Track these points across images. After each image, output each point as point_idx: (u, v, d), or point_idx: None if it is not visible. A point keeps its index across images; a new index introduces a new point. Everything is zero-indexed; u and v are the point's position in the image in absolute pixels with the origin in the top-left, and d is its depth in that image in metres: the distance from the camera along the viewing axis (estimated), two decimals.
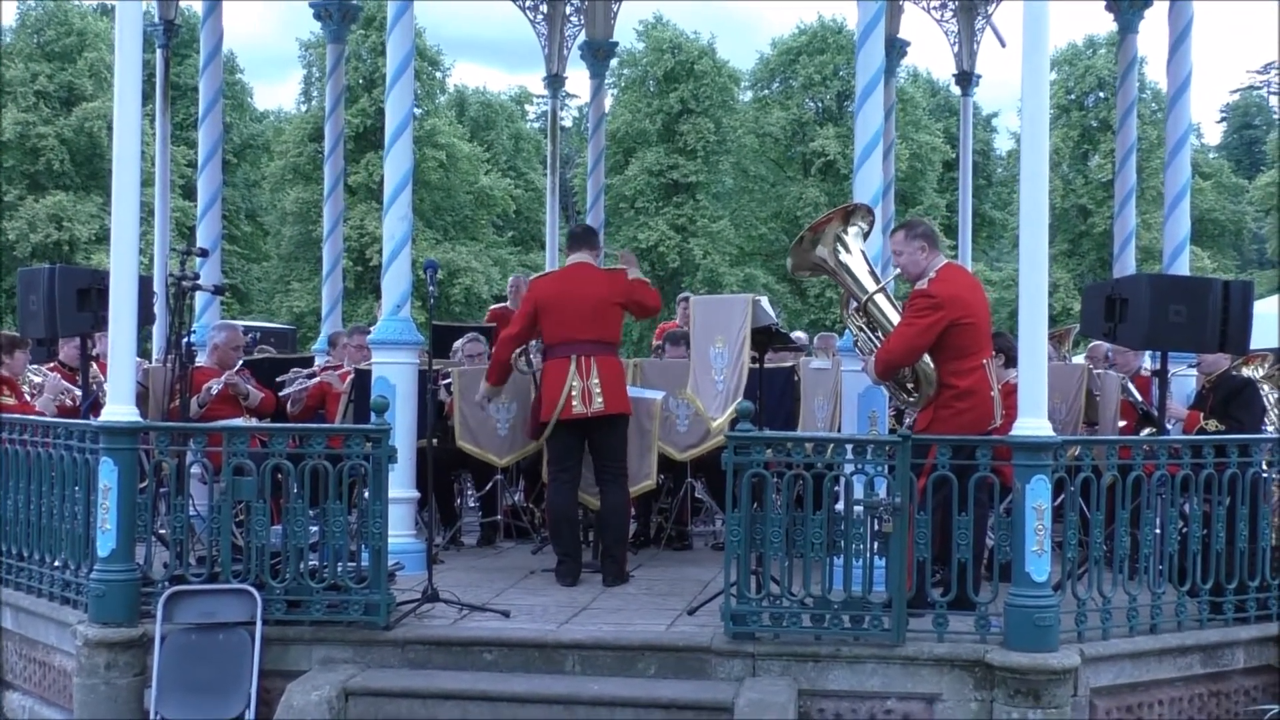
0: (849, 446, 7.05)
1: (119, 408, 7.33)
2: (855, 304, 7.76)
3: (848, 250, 7.69)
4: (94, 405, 8.72)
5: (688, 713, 6.60)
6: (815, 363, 9.95)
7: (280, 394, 10.14)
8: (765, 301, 8.23)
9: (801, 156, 49.29)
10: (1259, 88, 75.06)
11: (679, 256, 46.10)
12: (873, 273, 7.75)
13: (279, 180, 46.73)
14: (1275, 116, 72.02)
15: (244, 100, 50.04)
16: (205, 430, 7.79)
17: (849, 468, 6.95)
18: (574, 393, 8.42)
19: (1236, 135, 71.33)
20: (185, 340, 8.42)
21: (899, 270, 7.65)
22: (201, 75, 12.76)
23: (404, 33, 9.02)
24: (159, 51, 14.00)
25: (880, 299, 7.67)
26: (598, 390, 8.44)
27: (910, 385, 7.54)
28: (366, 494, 7.18)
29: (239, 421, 9.20)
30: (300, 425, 9.59)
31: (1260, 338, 9.23)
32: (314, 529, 7.24)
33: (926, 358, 7.36)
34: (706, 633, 7.04)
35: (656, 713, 6.62)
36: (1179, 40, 10.71)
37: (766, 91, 51.57)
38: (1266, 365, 10.35)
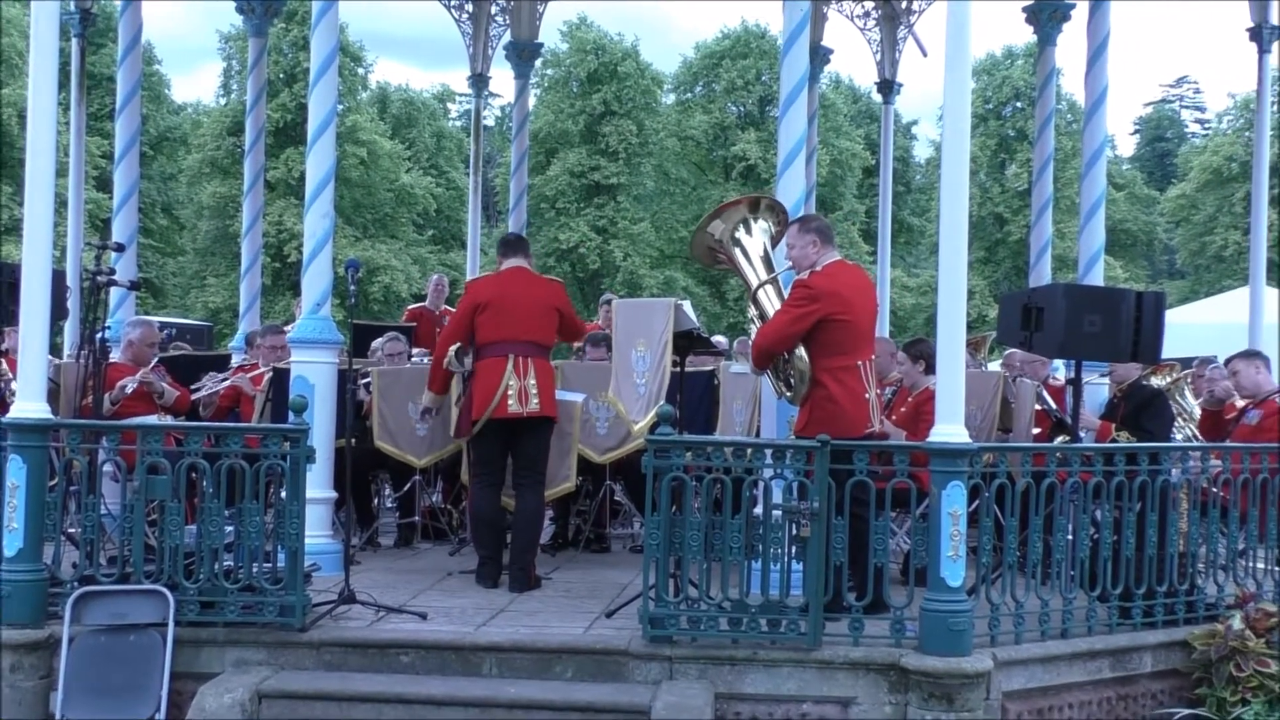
0: (768, 451, 7.09)
1: (29, 404, 7.19)
2: (749, 294, 7.82)
3: (749, 236, 7.76)
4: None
5: (605, 715, 6.59)
6: (735, 367, 9.99)
7: (193, 398, 10.00)
8: (687, 305, 8.26)
9: (723, 160, 49.60)
10: (1171, 101, 76.55)
11: (599, 258, 46.12)
12: (768, 263, 7.80)
13: (196, 174, 46.20)
14: (1186, 130, 73.53)
15: (161, 92, 49.34)
16: (119, 428, 7.67)
17: (768, 472, 6.99)
18: (510, 392, 8.37)
19: (1149, 147, 72.64)
20: (99, 336, 8.30)
21: (790, 264, 7.70)
22: (120, 66, 12.55)
23: (328, 29, 8.93)
24: (74, 40, 13.81)
25: (770, 289, 7.72)
26: (534, 391, 8.42)
27: (793, 380, 7.56)
28: (283, 494, 7.11)
29: (154, 419, 9.08)
30: (217, 424, 9.49)
31: (1172, 347, 9.39)
32: (229, 529, 7.15)
33: (802, 351, 7.40)
34: (624, 635, 7.05)
35: (573, 715, 6.61)
36: (1096, 54, 10.84)
37: (689, 95, 51.82)
38: (1174, 374, 10.55)
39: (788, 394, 7.62)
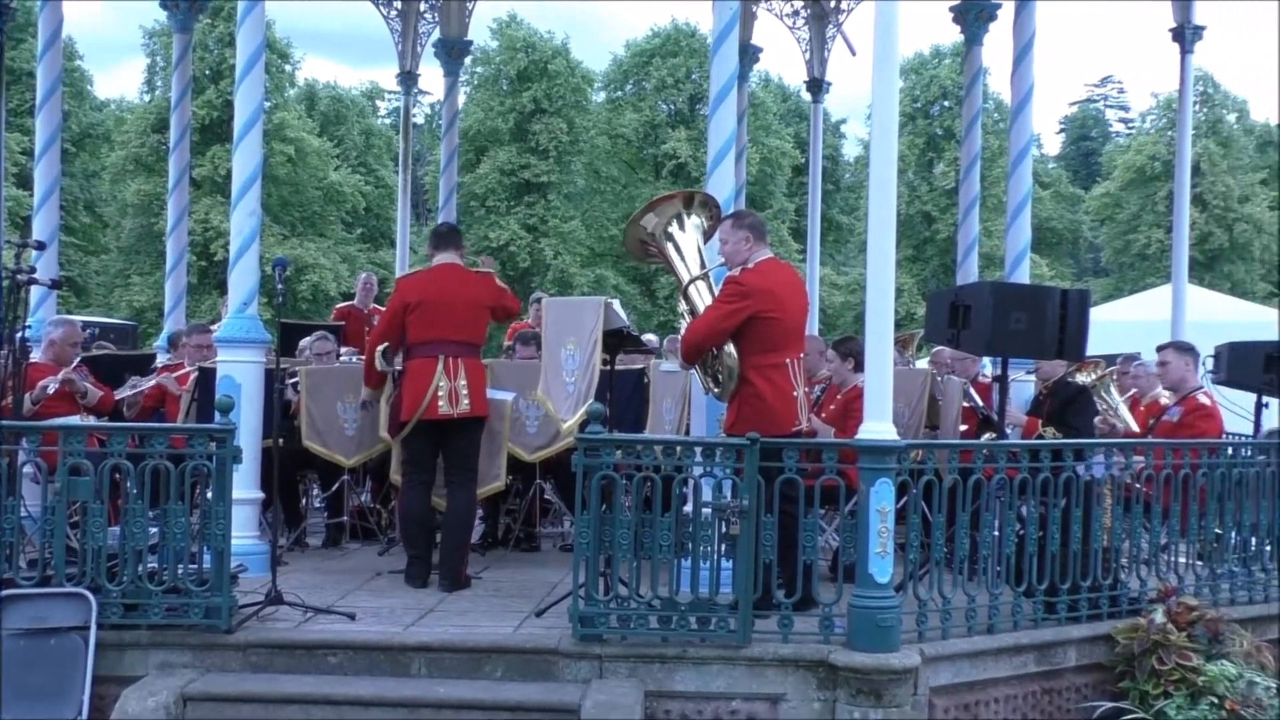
0: (698, 449, 7.10)
1: None
2: (680, 288, 7.84)
3: (682, 231, 7.78)
4: None
5: (535, 715, 6.59)
6: (665, 365, 9.98)
7: (117, 398, 9.86)
8: (617, 304, 8.25)
9: (653, 158, 49.61)
10: (1095, 100, 77.56)
11: (530, 256, 45.99)
12: (700, 259, 7.82)
13: (120, 171, 45.52)
14: (1110, 129, 74.51)
15: (83, 88, 48.60)
16: (39, 429, 7.55)
17: (698, 470, 7.00)
18: (440, 393, 8.34)
19: (1074, 146, 73.58)
20: (20, 335, 8.16)
21: (722, 260, 7.71)
22: (39, 61, 12.34)
23: (254, 25, 8.84)
24: None
25: (701, 285, 7.72)
26: (464, 392, 8.39)
27: (720, 376, 7.56)
28: (209, 494, 7.04)
29: (76, 420, 8.95)
30: (141, 424, 9.36)
31: (1096, 344, 9.49)
32: (154, 530, 7.06)
33: (731, 348, 7.40)
34: (554, 634, 7.03)
35: (503, 715, 6.60)
36: (1022, 53, 10.94)
37: (619, 93, 51.76)
38: (1099, 371, 10.68)
39: (715, 390, 7.62)
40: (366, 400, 9.27)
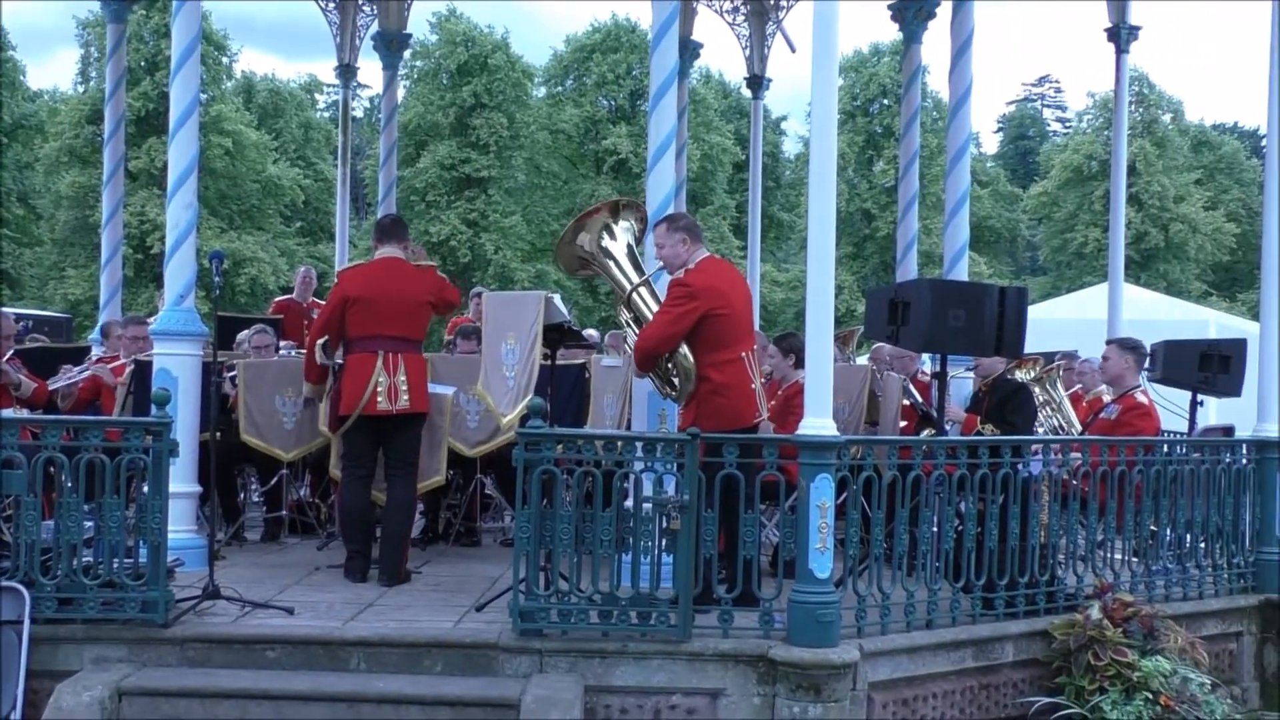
0: (639, 444, 7.10)
1: None
2: (622, 298, 7.84)
3: (614, 240, 7.79)
4: None
5: (474, 710, 6.58)
6: (606, 360, 10.00)
7: (51, 388, 9.75)
8: (558, 299, 8.24)
9: (594, 154, 49.64)
10: (1033, 100, 78.29)
11: (470, 251, 45.88)
12: (638, 266, 7.83)
13: (54, 163, 45.02)
14: (1047, 128, 75.22)
15: (15, 78, 47.98)
16: None
17: (639, 465, 7.00)
18: (379, 389, 8.30)
19: (1012, 145, 74.21)
20: None
21: (661, 264, 7.72)
22: None
23: (190, 16, 8.75)
24: None
25: (644, 291, 7.75)
26: (404, 387, 8.35)
27: (675, 380, 7.58)
28: (145, 488, 6.97)
29: (9, 412, 8.84)
30: (77, 418, 9.24)
31: (1034, 342, 9.57)
32: (89, 524, 6.98)
33: (685, 350, 7.41)
34: (494, 629, 7.02)
35: (443, 710, 6.58)
36: (960, 52, 10.98)
37: (560, 88, 51.76)
38: (1038, 368, 10.78)
39: (672, 394, 7.63)
40: (310, 397, 9.21)
